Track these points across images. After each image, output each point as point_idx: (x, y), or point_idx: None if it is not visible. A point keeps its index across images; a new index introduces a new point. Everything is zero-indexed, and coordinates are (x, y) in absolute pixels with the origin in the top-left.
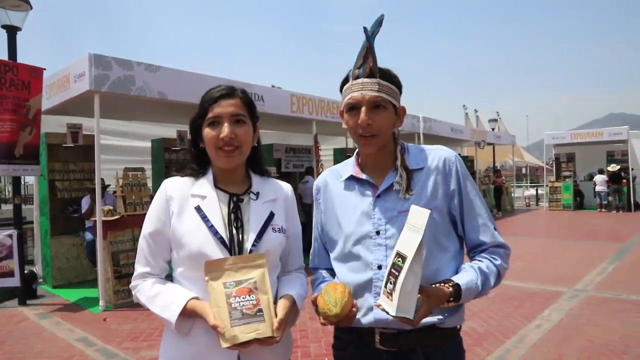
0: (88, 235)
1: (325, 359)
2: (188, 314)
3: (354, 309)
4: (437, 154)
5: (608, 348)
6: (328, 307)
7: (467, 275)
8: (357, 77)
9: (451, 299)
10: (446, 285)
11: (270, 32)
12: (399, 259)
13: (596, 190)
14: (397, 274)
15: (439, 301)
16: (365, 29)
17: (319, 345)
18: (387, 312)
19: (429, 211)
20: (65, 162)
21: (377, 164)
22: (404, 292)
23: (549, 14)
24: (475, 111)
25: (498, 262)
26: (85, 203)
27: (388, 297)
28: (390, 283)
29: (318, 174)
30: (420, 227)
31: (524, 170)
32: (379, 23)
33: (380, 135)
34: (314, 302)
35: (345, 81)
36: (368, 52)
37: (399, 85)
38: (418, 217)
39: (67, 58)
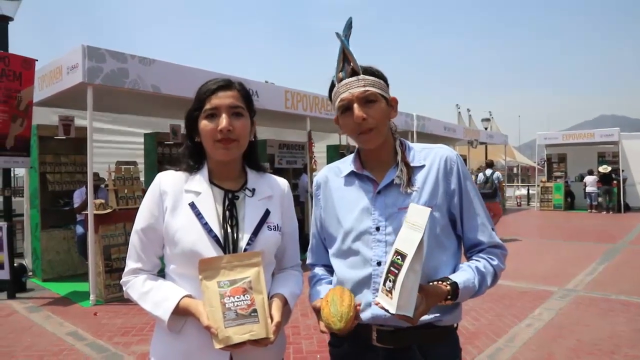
0: (79, 229)
1: (317, 355)
2: (181, 313)
3: (357, 321)
4: (438, 153)
5: (597, 347)
6: (333, 321)
7: (464, 274)
8: (341, 80)
9: (449, 297)
10: (444, 283)
11: (262, 29)
12: (398, 257)
13: (586, 191)
14: (396, 272)
15: (437, 299)
16: (337, 34)
17: (311, 342)
18: (387, 310)
19: (429, 209)
20: (57, 154)
21: (378, 161)
22: (404, 290)
23: (542, 14)
24: (468, 110)
25: (495, 262)
26: (77, 196)
27: (387, 295)
28: (390, 281)
29: (311, 170)
30: (420, 226)
31: (515, 170)
32: (349, 26)
33: (378, 128)
34: (317, 307)
35: (333, 88)
36: (345, 54)
37: (383, 78)
38: (418, 215)
39: (55, 51)
